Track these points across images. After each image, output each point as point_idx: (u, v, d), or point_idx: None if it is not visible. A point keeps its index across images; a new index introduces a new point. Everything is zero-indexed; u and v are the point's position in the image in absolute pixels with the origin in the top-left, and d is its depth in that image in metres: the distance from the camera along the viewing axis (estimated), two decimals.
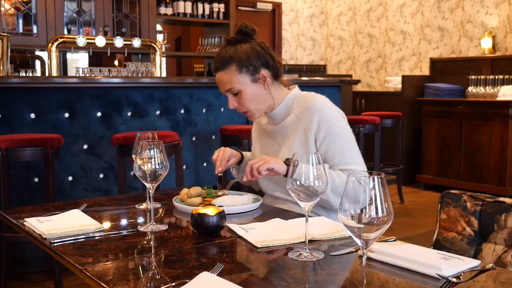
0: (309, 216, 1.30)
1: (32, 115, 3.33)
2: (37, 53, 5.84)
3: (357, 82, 5.20)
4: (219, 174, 1.89)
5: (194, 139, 4.02)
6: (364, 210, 0.95)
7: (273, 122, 1.96)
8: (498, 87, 5.45)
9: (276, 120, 1.94)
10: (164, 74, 6.11)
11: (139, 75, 4.73)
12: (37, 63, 5.96)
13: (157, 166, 1.48)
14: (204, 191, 1.80)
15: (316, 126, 1.81)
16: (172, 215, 1.69)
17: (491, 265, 1.17)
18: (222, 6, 6.38)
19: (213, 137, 4.10)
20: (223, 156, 1.89)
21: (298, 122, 1.86)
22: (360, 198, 0.95)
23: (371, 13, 7.43)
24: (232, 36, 1.87)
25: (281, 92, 1.93)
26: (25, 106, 3.31)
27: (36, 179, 3.33)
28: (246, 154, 2.09)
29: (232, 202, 1.70)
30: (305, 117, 1.84)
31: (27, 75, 5.18)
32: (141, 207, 1.78)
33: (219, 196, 1.77)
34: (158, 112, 3.82)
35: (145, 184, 1.51)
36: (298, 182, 1.24)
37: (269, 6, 7.50)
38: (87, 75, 4.59)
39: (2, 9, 5.16)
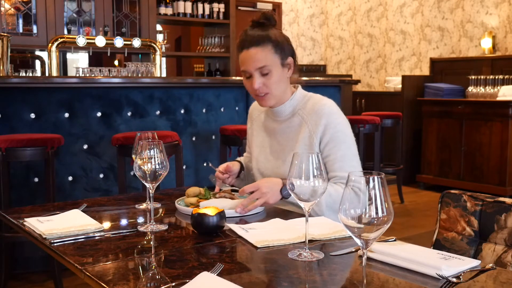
0: (309, 216, 1.30)
1: (32, 115, 3.33)
2: (37, 53, 5.84)
3: (357, 82, 5.20)
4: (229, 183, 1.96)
5: (194, 139, 4.02)
6: (364, 210, 0.95)
7: (276, 119, 1.94)
8: (498, 87, 5.45)
9: (279, 117, 1.93)
10: (164, 74, 6.11)
11: (139, 75, 4.73)
12: (37, 63, 5.96)
13: (157, 166, 1.48)
14: (202, 191, 1.79)
15: (322, 129, 1.80)
16: (172, 215, 1.69)
17: (491, 265, 1.17)
18: (222, 6, 6.38)
19: (213, 137, 4.10)
20: (225, 168, 1.96)
21: (304, 125, 1.85)
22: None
23: (371, 13, 7.43)
24: (258, 19, 1.86)
25: (290, 88, 1.93)
26: (25, 106, 3.31)
27: (36, 179, 3.33)
28: (245, 162, 2.09)
29: (221, 206, 1.66)
30: (311, 120, 1.84)
31: (27, 75, 5.18)
32: (141, 207, 1.78)
33: (216, 198, 1.75)
34: (158, 112, 3.82)
35: (145, 184, 1.51)
36: (298, 182, 1.24)
37: (269, 6, 7.50)
38: (87, 75, 4.59)
39: (2, 9, 5.16)
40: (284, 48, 1.84)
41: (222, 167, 1.97)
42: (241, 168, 2.04)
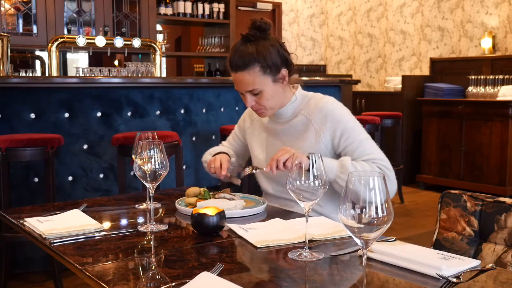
0: (309, 216, 1.30)
1: (32, 115, 3.33)
2: (37, 53, 5.84)
3: (357, 82, 5.19)
4: (226, 176, 1.90)
5: (194, 139, 4.02)
6: (364, 210, 0.95)
7: (278, 120, 1.95)
8: (498, 87, 5.45)
9: (282, 119, 1.94)
10: (164, 74, 6.11)
11: (139, 75, 4.73)
12: (37, 63, 5.96)
13: (157, 166, 1.48)
14: (202, 191, 1.79)
15: (330, 126, 1.82)
16: (172, 215, 1.69)
17: (491, 265, 1.17)
18: (222, 6, 6.38)
19: (213, 137, 4.10)
20: (223, 161, 1.90)
21: (309, 124, 1.86)
22: (360, 197, 0.95)
23: (371, 13, 7.43)
24: (247, 32, 1.82)
25: (289, 90, 1.93)
26: (25, 106, 3.31)
27: (36, 179, 3.32)
28: (229, 153, 2.08)
29: (220, 206, 1.64)
30: (316, 118, 1.85)
31: (27, 75, 5.18)
32: (141, 207, 1.78)
33: (215, 198, 1.75)
34: (158, 112, 3.82)
35: (145, 184, 1.51)
36: (298, 182, 1.24)
37: (269, 6, 7.50)
38: (87, 75, 4.59)
39: (2, 9, 5.16)
40: (275, 63, 1.80)
41: (216, 163, 1.92)
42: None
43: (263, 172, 1.84)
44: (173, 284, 1.07)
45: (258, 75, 1.78)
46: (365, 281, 1.07)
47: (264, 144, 2.00)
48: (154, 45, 4.98)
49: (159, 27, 6.40)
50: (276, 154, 1.71)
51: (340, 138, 1.82)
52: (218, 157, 1.93)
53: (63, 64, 6.28)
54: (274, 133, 1.97)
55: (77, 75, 4.58)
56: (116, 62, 7.30)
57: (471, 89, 5.69)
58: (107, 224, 1.57)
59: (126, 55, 5.65)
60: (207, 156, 2.13)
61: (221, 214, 1.43)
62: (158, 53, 4.97)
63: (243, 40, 1.82)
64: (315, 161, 1.24)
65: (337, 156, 1.86)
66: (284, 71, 1.84)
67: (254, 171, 1.82)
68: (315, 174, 1.24)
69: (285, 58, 1.84)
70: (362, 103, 6.91)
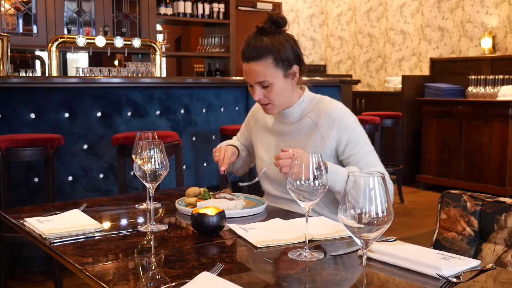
0: (310, 216, 1.30)
1: (32, 115, 3.33)
2: (37, 53, 5.84)
3: (357, 82, 5.20)
4: (224, 173, 1.89)
5: (194, 139, 4.02)
6: (364, 210, 0.95)
7: (284, 121, 1.93)
8: (498, 87, 5.45)
9: (288, 119, 1.92)
10: (164, 74, 6.11)
11: (139, 75, 4.73)
12: (37, 63, 5.96)
13: (157, 166, 1.48)
14: (202, 191, 1.79)
15: (336, 133, 1.81)
16: (172, 215, 1.69)
17: (491, 265, 1.17)
18: (222, 6, 6.38)
19: (213, 137, 4.10)
20: (226, 155, 1.91)
21: (315, 128, 1.85)
22: (360, 197, 0.95)
23: (371, 13, 7.43)
24: (262, 25, 1.82)
25: (297, 90, 1.92)
26: (25, 106, 3.31)
27: (36, 179, 3.32)
28: (240, 147, 2.09)
29: (219, 206, 1.64)
30: (323, 123, 1.84)
31: (27, 75, 5.19)
32: (141, 207, 1.78)
33: (215, 198, 1.75)
34: (158, 112, 3.82)
35: (145, 184, 1.51)
36: (298, 182, 1.24)
37: (269, 6, 7.50)
38: (87, 75, 4.59)
39: (2, 9, 5.16)
40: (288, 58, 1.79)
41: (220, 153, 1.93)
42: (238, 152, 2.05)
43: (270, 169, 1.84)
44: (173, 284, 1.07)
45: (270, 67, 1.77)
46: (365, 281, 1.07)
47: (269, 145, 1.99)
48: (154, 45, 4.98)
49: (159, 27, 6.40)
50: (280, 154, 1.64)
51: (346, 146, 1.81)
52: (223, 148, 1.94)
53: (63, 64, 6.28)
54: (279, 134, 1.95)
55: (77, 75, 4.58)
56: (116, 62, 7.30)
57: (471, 89, 5.69)
58: (107, 224, 1.57)
59: (126, 55, 5.65)
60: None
61: (221, 214, 1.43)
62: (158, 53, 4.97)
63: (257, 32, 1.82)
64: (316, 161, 1.24)
65: (340, 162, 1.85)
66: (295, 68, 1.83)
67: (258, 177, 1.83)
68: (315, 174, 1.24)
69: (298, 55, 1.84)
70: (362, 103, 6.91)
